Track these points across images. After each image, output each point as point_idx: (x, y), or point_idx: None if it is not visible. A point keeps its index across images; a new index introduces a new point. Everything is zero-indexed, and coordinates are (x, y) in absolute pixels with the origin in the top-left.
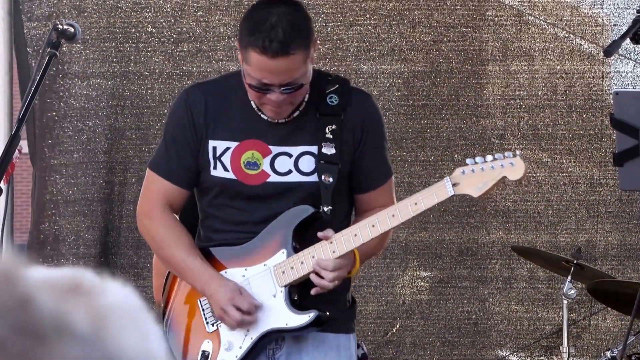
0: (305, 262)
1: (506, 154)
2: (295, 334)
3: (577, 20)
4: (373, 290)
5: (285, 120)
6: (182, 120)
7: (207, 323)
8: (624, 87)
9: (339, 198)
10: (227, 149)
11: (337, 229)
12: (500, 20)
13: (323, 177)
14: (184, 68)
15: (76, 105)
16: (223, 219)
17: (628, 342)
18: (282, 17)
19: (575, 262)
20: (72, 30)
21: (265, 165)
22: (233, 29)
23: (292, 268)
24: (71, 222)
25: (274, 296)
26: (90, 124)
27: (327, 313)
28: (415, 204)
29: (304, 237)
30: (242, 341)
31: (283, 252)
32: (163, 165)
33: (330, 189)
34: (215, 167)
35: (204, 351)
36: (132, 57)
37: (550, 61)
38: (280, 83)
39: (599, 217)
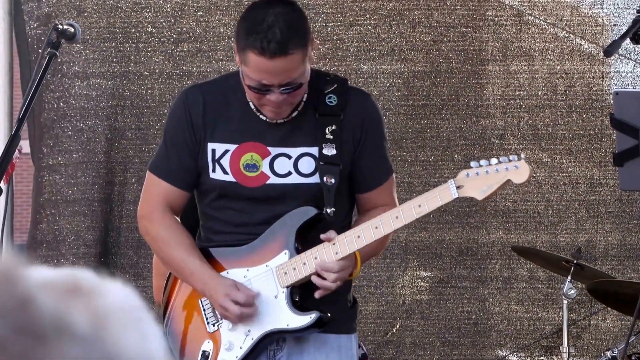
0: (308, 263)
1: (511, 157)
2: (297, 335)
3: (577, 20)
4: (373, 290)
5: (284, 120)
6: (181, 121)
7: (208, 323)
8: (624, 87)
9: (340, 198)
10: (226, 151)
11: (338, 229)
12: (500, 20)
13: (325, 178)
14: (184, 68)
15: (76, 105)
16: (223, 221)
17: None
18: (279, 17)
19: (575, 262)
20: (72, 30)
21: (265, 167)
22: (233, 29)
23: (295, 269)
24: (71, 222)
25: (276, 297)
26: (90, 123)
27: (329, 314)
28: (419, 206)
29: (306, 239)
30: (243, 341)
31: (285, 253)
32: (163, 167)
33: (332, 190)
34: (214, 170)
35: (204, 351)
36: (132, 57)
37: (550, 61)
38: (279, 83)
39: (599, 217)
